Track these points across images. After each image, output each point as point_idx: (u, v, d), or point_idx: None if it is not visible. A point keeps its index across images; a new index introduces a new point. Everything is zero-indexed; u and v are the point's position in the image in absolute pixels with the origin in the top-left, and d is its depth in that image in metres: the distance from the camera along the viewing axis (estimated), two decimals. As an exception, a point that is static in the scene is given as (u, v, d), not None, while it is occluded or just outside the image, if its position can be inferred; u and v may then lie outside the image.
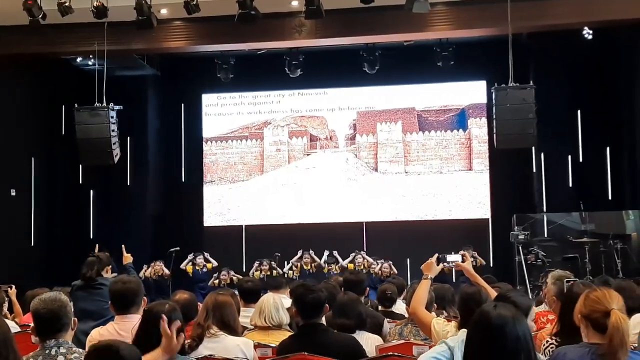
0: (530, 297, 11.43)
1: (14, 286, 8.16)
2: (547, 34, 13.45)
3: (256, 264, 14.59)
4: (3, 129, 13.42)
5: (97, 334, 4.55)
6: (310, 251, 14.65)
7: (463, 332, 3.44)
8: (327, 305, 4.66)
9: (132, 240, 15.27)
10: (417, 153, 16.40)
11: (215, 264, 14.60)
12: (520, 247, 13.26)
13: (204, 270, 14.51)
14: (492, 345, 2.79)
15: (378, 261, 14.00)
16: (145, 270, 14.00)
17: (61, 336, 3.68)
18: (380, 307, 6.66)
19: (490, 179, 15.97)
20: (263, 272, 14.24)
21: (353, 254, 14.34)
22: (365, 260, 14.17)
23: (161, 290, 13.61)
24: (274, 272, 14.30)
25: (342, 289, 6.42)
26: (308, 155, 16.84)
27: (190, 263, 14.52)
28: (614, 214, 14.32)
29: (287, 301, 5.73)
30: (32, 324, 5.88)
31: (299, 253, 14.66)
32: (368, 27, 12.71)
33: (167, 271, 14.20)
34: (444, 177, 16.25)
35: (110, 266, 5.94)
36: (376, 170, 16.55)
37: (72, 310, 3.83)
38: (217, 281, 14.08)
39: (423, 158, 16.38)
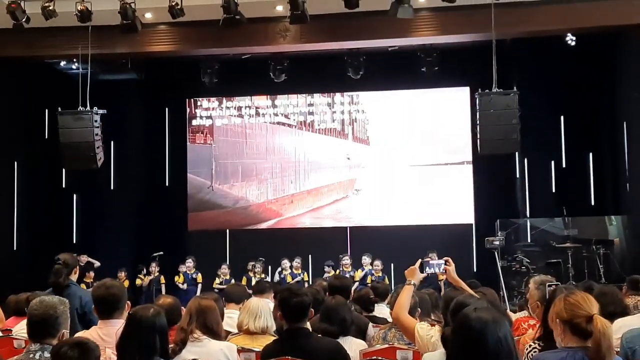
0: (514, 302, 11.48)
1: (-5, 291, 8.09)
2: (531, 40, 13.56)
3: (250, 265, 14.55)
4: (-15, 132, 13.33)
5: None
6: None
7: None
8: (312, 309, 4.65)
9: (115, 244, 15.39)
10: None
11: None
12: (497, 253, 13.20)
13: (194, 275, 14.52)
14: (474, 348, 2.80)
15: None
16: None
17: (47, 341, 3.65)
18: (363, 312, 6.65)
19: (473, 185, 16.00)
20: (257, 275, 14.19)
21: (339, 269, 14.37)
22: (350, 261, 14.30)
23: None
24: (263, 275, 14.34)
25: (327, 294, 6.41)
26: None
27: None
28: (596, 219, 14.39)
29: (273, 305, 5.72)
30: (13, 329, 5.86)
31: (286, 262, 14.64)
32: (353, 32, 12.74)
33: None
34: (428, 182, 16.25)
35: (77, 267, 5.87)
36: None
37: (67, 319, 3.80)
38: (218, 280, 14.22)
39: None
